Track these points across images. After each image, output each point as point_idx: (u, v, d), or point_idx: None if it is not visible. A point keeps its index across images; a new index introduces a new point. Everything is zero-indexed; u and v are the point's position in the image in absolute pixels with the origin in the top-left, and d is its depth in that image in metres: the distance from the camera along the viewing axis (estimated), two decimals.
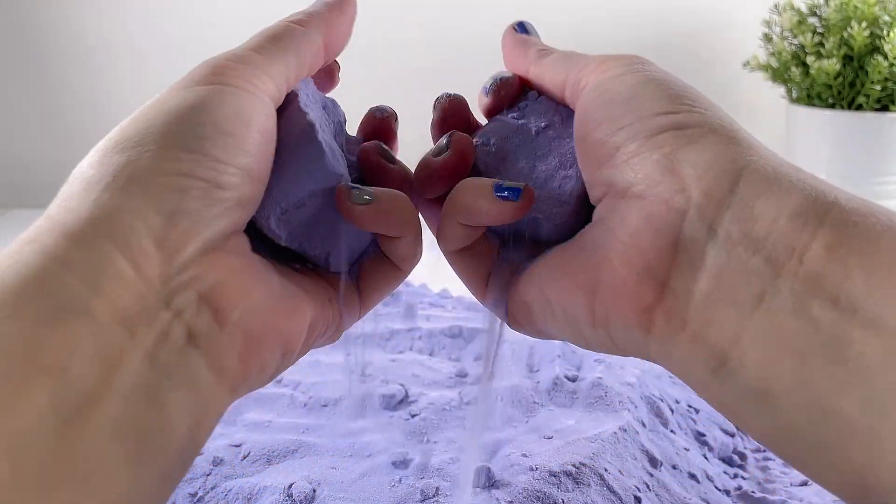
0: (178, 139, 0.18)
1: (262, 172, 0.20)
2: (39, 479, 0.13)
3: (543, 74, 0.24)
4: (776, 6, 0.66)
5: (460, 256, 0.24)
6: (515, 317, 0.23)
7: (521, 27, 0.26)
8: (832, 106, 0.64)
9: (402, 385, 0.37)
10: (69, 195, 0.17)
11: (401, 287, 0.47)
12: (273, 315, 0.19)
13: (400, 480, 0.29)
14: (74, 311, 0.15)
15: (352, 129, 0.27)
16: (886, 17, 0.59)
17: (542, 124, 0.24)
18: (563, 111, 0.24)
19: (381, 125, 0.26)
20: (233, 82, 0.20)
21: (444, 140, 0.24)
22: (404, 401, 0.36)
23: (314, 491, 0.29)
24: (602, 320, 0.20)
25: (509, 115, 0.25)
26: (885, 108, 0.62)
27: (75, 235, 0.16)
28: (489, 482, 0.29)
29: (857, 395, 0.15)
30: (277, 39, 0.22)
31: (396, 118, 0.27)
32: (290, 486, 0.29)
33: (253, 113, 0.20)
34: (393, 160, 0.25)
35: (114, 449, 0.14)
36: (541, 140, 0.24)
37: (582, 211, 0.22)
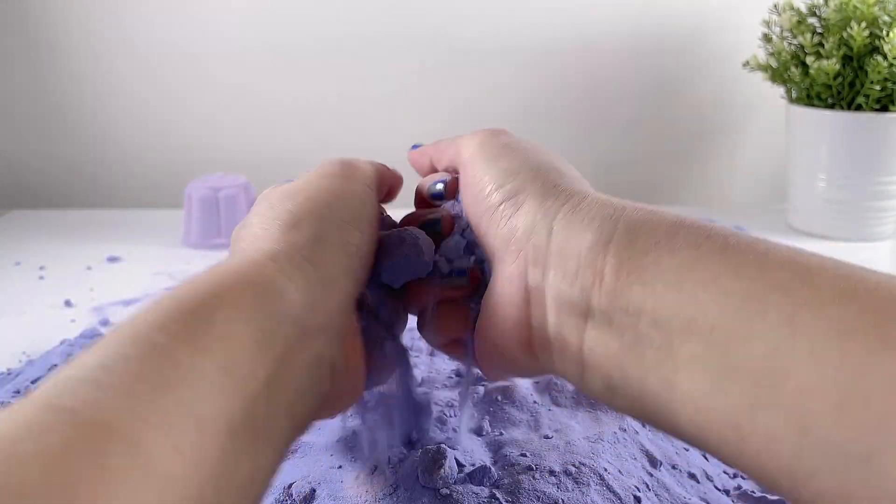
0: (348, 215, 0.25)
1: None
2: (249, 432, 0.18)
3: (439, 166, 0.32)
4: (776, 6, 0.66)
5: (441, 346, 0.30)
6: (483, 372, 0.29)
7: (415, 147, 0.34)
8: (832, 106, 0.64)
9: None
10: (285, 234, 0.23)
11: None
12: (362, 373, 0.26)
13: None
14: (287, 319, 0.20)
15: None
16: (886, 18, 0.60)
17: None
18: None
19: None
20: (365, 182, 0.28)
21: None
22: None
23: (314, 491, 0.29)
24: (511, 360, 0.25)
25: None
26: (884, 109, 0.62)
27: (300, 265, 0.22)
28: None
29: (656, 376, 0.19)
30: (375, 164, 0.30)
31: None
32: (289, 486, 0.29)
33: (377, 206, 0.28)
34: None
35: (286, 422, 0.20)
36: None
37: None
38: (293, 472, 0.30)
